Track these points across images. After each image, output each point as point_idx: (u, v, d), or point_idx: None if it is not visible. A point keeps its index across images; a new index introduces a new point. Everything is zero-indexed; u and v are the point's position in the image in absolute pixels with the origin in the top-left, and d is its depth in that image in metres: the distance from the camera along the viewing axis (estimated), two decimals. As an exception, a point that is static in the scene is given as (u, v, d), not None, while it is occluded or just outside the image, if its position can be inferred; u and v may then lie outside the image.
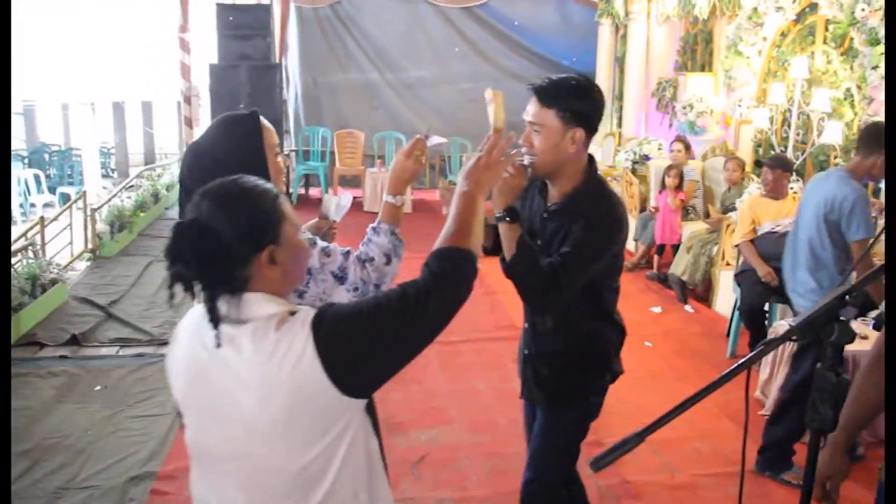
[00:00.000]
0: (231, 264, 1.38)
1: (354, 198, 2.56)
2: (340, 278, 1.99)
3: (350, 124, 11.16)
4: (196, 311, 1.51)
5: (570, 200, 2.27)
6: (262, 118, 2.04)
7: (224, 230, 1.37)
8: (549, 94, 2.18)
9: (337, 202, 2.37)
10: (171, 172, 10.89)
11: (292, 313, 1.41)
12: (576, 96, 2.18)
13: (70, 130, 13.81)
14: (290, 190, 9.87)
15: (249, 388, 1.38)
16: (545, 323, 2.42)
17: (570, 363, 2.43)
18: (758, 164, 5.09)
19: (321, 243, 2.03)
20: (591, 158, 2.32)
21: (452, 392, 4.59)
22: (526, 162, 2.22)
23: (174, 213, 9.64)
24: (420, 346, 1.46)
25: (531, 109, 2.22)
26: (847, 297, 1.32)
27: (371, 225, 2.07)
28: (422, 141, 2.15)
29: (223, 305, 1.39)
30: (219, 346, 1.39)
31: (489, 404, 4.46)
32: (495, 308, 6.03)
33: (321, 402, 1.38)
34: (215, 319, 1.38)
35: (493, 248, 2.41)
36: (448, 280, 1.48)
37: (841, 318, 1.33)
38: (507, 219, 2.16)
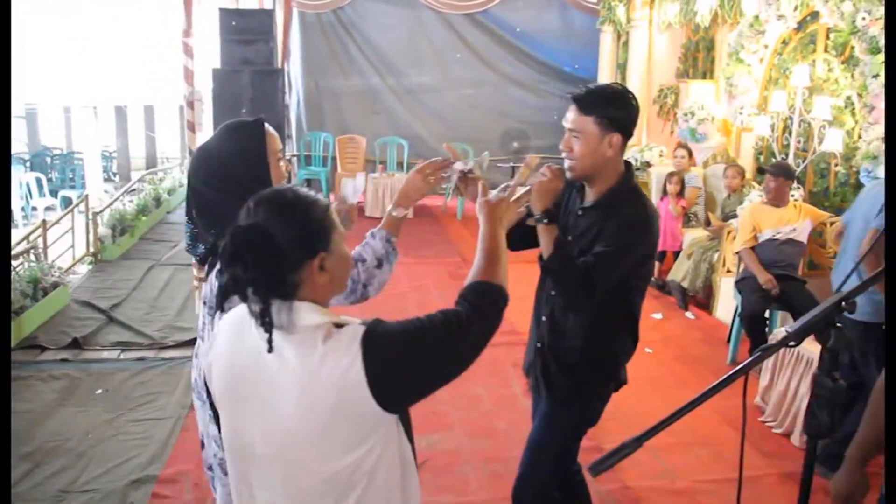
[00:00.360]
0: (285, 268, 1.42)
1: (359, 202, 2.61)
2: None
3: (352, 129, 11.19)
4: (237, 313, 1.55)
5: (605, 199, 2.39)
6: (266, 125, 2.12)
7: (280, 235, 1.41)
8: (587, 102, 2.29)
9: (353, 185, 2.43)
10: (172, 176, 10.92)
11: (338, 325, 1.45)
12: (612, 104, 2.30)
13: (72, 134, 13.85)
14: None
15: (291, 396, 1.43)
16: (566, 319, 2.48)
17: (580, 362, 2.48)
18: (760, 171, 5.10)
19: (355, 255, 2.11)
20: (627, 164, 2.44)
21: (453, 397, 4.59)
22: (565, 166, 2.35)
23: (176, 216, 9.67)
24: (458, 371, 1.52)
25: (570, 116, 2.33)
26: (843, 303, 1.34)
27: (371, 230, 2.17)
28: (440, 164, 2.27)
29: (277, 312, 1.42)
30: (270, 350, 1.42)
31: (489, 410, 4.46)
32: (496, 313, 6.04)
33: (360, 415, 1.43)
34: (268, 324, 1.40)
35: (512, 246, 2.46)
36: (487, 312, 1.59)
37: (837, 324, 1.34)
38: (546, 220, 2.27)
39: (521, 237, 2.44)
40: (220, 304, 1.45)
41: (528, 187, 2.23)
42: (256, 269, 1.39)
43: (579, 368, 2.49)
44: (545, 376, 2.57)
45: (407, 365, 1.44)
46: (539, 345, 2.59)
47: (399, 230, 2.22)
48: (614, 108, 2.29)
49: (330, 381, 1.40)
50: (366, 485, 1.48)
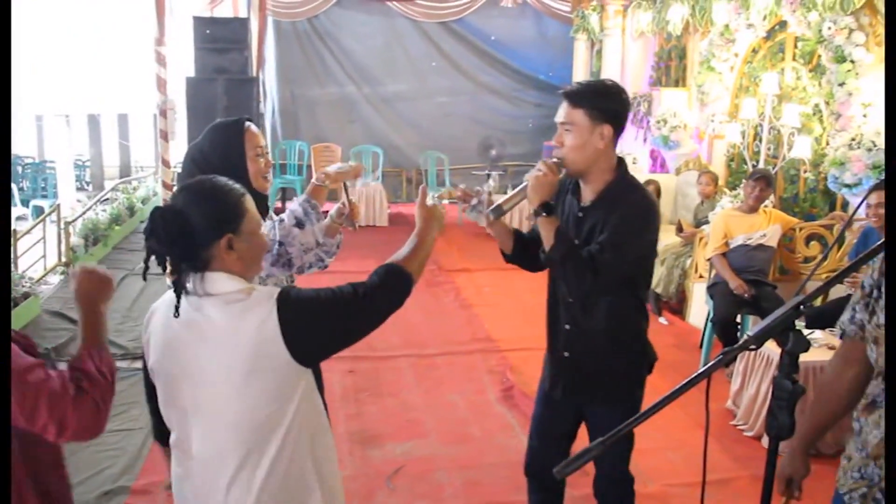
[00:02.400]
0: (195, 245, 1.66)
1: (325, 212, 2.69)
2: None
3: (327, 138, 11.18)
4: (168, 295, 1.76)
5: (604, 196, 2.40)
6: (248, 123, 2.35)
7: (192, 216, 1.65)
8: (577, 96, 2.33)
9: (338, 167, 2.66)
10: (146, 186, 10.84)
11: (253, 290, 1.69)
12: (603, 95, 2.34)
13: (44, 142, 13.69)
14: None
15: (216, 348, 1.65)
16: (590, 322, 2.49)
17: (613, 359, 2.50)
18: (756, 179, 5.17)
19: (278, 217, 2.41)
20: (620, 160, 2.45)
21: (428, 405, 4.60)
22: (558, 160, 2.37)
23: (150, 226, 9.60)
24: (359, 335, 1.76)
25: (561, 112, 2.36)
26: (801, 307, 1.37)
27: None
28: (462, 196, 2.47)
29: (189, 281, 1.67)
30: (177, 315, 1.66)
31: (464, 416, 4.47)
32: (471, 321, 6.06)
33: (276, 366, 1.65)
34: (179, 290, 1.66)
35: (514, 255, 2.60)
36: (391, 290, 1.80)
37: (796, 327, 1.37)
38: (544, 213, 2.31)
39: (519, 250, 2.56)
40: (144, 272, 1.70)
41: (525, 183, 2.33)
42: (169, 244, 1.63)
43: (615, 365, 2.51)
44: (586, 384, 2.57)
45: (316, 322, 1.67)
46: (567, 354, 2.57)
47: (321, 197, 2.46)
48: (604, 100, 2.33)
49: (249, 333, 1.63)
50: (283, 436, 1.70)
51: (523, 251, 2.58)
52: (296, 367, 1.67)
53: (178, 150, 9.76)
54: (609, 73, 9.54)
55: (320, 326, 1.68)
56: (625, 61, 9.43)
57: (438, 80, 11.56)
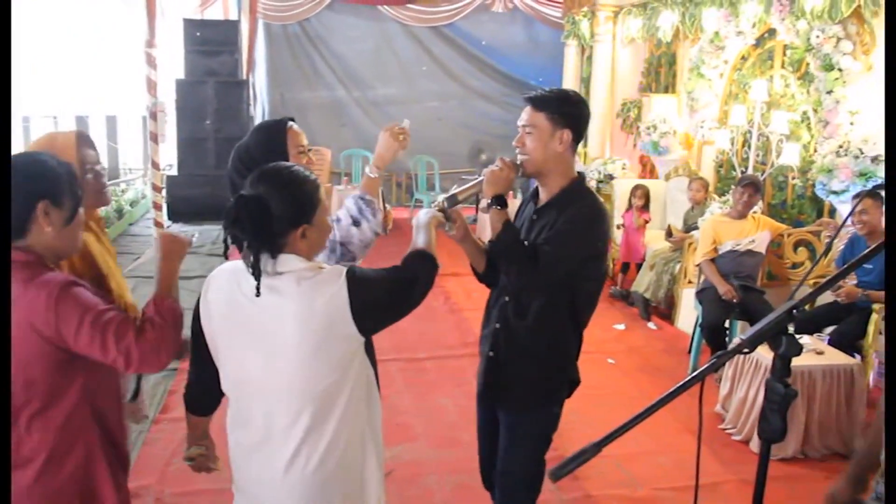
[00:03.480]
0: (275, 233, 1.79)
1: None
2: None
3: (317, 141, 11.15)
4: (227, 268, 1.92)
5: (557, 198, 2.49)
6: (292, 123, 2.51)
7: (274, 207, 1.78)
8: (540, 100, 2.45)
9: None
10: (135, 188, 10.80)
11: (321, 268, 1.84)
12: (564, 102, 2.46)
13: (31, 144, 13.60)
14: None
15: (292, 319, 1.77)
16: (520, 325, 2.51)
17: (536, 367, 2.52)
18: (744, 185, 5.22)
19: (335, 217, 2.43)
20: (580, 174, 2.55)
21: (417, 408, 4.60)
22: (518, 161, 2.48)
23: (138, 228, 9.56)
24: (407, 311, 1.97)
25: (524, 115, 2.48)
26: (794, 311, 1.38)
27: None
28: (405, 128, 2.57)
29: (264, 263, 1.78)
30: (258, 294, 1.76)
31: (454, 420, 4.48)
32: (460, 325, 6.07)
33: (343, 336, 1.81)
34: (258, 272, 1.76)
35: (485, 275, 2.69)
36: (428, 272, 2.03)
37: (789, 331, 1.39)
38: (497, 206, 2.41)
39: (492, 269, 2.62)
40: (225, 252, 1.87)
41: (480, 178, 2.45)
42: (252, 231, 1.75)
43: (536, 373, 2.54)
44: (501, 387, 2.60)
45: (378, 298, 1.87)
46: (492, 353, 2.61)
47: (376, 191, 2.45)
48: (565, 106, 2.44)
49: (322, 306, 1.77)
50: (345, 404, 1.85)
51: (495, 270, 2.60)
52: (357, 337, 1.83)
53: (168, 152, 9.73)
54: (599, 78, 9.58)
55: (381, 303, 1.88)
56: (615, 67, 9.47)
57: (429, 85, 11.58)
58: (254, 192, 1.79)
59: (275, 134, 2.47)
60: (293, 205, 1.82)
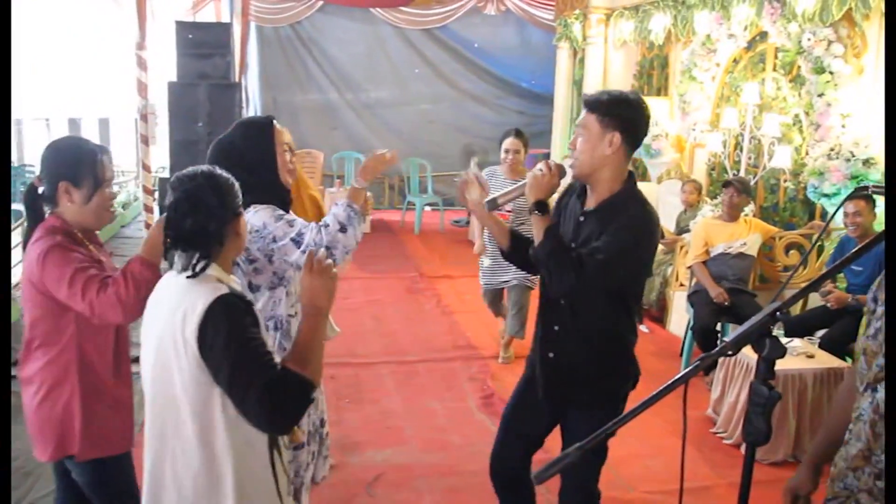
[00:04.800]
0: (215, 222, 1.83)
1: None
2: (297, 242, 2.45)
3: (309, 144, 11.13)
4: (162, 281, 1.95)
5: (607, 205, 2.44)
6: (276, 121, 2.60)
7: (215, 198, 1.84)
8: (593, 101, 2.42)
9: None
10: (127, 190, 10.76)
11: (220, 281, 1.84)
12: (617, 104, 2.39)
13: (24, 146, 13.57)
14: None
15: (160, 323, 1.81)
16: (583, 326, 2.51)
17: (597, 365, 2.53)
18: (726, 185, 5.23)
19: (287, 216, 2.53)
20: (630, 173, 2.50)
21: (408, 412, 4.58)
22: (569, 164, 2.47)
23: (131, 230, 9.52)
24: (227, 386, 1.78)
25: (581, 116, 2.46)
26: (778, 313, 1.37)
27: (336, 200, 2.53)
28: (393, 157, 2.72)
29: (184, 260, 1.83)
30: (194, 274, 1.81)
31: (444, 424, 4.46)
32: (452, 329, 6.05)
33: (192, 351, 1.75)
34: (196, 265, 1.81)
35: (511, 252, 2.67)
36: (282, 402, 1.73)
37: (772, 333, 1.38)
38: (538, 211, 2.41)
39: (515, 247, 2.65)
40: (165, 254, 1.90)
41: (523, 182, 2.48)
42: (203, 222, 1.81)
43: (598, 372, 2.53)
44: (567, 386, 2.58)
45: (217, 346, 1.72)
46: (551, 355, 2.59)
47: (361, 199, 2.55)
48: (617, 108, 2.38)
49: (180, 312, 1.76)
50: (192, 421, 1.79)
51: (518, 248, 2.65)
52: (190, 364, 1.76)
53: (160, 154, 9.70)
54: (591, 81, 9.58)
55: (216, 352, 1.73)
56: (607, 70, 9.47)
57: (421, 87, 11.57)
58: (194, 184, 1.85)
59: (264, 130, 2.55)
60: (229, 194, 1.89)
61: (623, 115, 2.38)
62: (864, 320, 1.76)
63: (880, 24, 5.03)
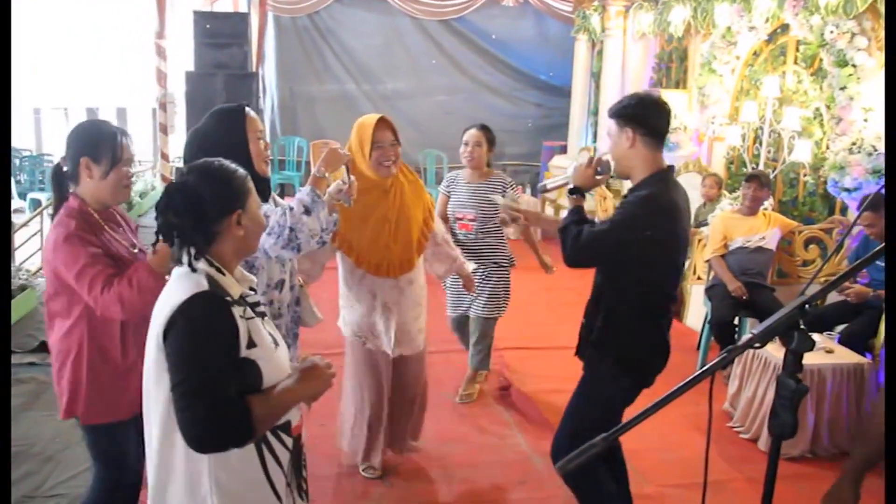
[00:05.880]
0: (208, 218, 1.78)
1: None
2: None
3: (326, 135, 11.13)
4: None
5: (631, 191, 2.72)
6: (248, 109, 2.59)
7: (205, 192, 1.78)
8: (610, 109, 2.71)
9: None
10: (145, 180, 10.81)
11: (212, 281, 1.77)
12: (628, 103, 2.68)
13: (42, 136, 13.66)
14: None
15: (156, 314, 1.77)
16: (596, 300, 2.82)
17: (598, 339, 2.81)
18: (749, 179, 5.20)
19: (288, 205, 2.59)
20: (669, 167, 2.75)
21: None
22: (610, 165, 2.79)
23: (148, 220, 9.57)
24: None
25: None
26: (807, 306, 1.36)
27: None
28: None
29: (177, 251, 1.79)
30: (194, 270, 1.77)
31: (461, 415, 4.46)
32: (469, 319, 6.04)
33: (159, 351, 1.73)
34: (188, 257, 1.77)
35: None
36: (216, 432, 1.68)
37: (801, 326, 1.36)
38: (572, 195, 2.79)
39: None
40: (154, 244, 1.92)
41: (568, 174, 2.86)
42: (185, 214, 1.75)
43: (597, 345, 2.81)
44: (584, 348, 2.88)
45: (176, 344, 1.69)
46: (584, 320, 2.90)
47: (323, 187, 2.66)
48: (626, 108, 2.66)
49: (162, 302, 1.76)
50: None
51: None
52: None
53: (178, 144, 9.73)
54: (609, 74, 9.53)
55: (174, 351, 1.69)
56: (625, 62, 9.42)
57: (438, 79, 11.55)
58: (184, 180, 1.81)
59: (235, 119, 2.55)
60: (224, 189, 1.81)
61: (633, 111, 2.64)
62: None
63: (905, 17, 4.96)
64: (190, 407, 1.63)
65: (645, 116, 2.64)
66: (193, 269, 1.77)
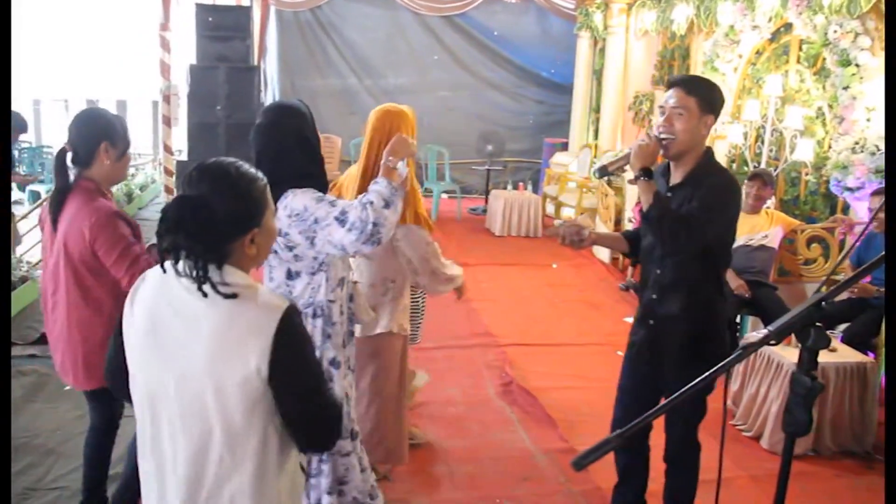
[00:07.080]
0: (221, 239, 1.58)
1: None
2: (342, 221, 2.42)
3: (328, 129, 11.14)
4: (155, 275, 1.67)
5: (692, 175, 2.69)
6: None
7: (220, 209, 1.56)
8: (692, 85, 2.66)
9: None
10: (145, 172, 10.80)
11: (255, 288, 1.63)
12: (712, 90, 2.69)
13: (42, 127, 13.63)
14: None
15: (206, 338, 1.56)
16: (674, 293, 2.76)
17: (688, 329, 2.75)
18: (752, 177, 5.21)
19: (328, 197, 2.53)
20: (708, 148, 2.77)
21: (426, 398, 4.58)
22: (663, 141, 2.67)
23: (148, 213, 9.57)
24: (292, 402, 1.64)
25: (674, 97, 2.65)
26: (823, 303, 1.36)
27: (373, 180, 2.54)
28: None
29: (211, 272, 1.56)
30: (206, 295, 1.54)
31: (463, 411, 4.47)
32: (470, 316, 6.04)
33: (244, 373, 1.55)
34: (202, 279, 1.54)
35: (632, 251, 3.02)
36: (328, 426, 1.69)
37: (817, 324, 1.37)
38: (644, 178, 2.62)
39: (636, 246, 2.96)
40: (161, 263, 1.59)
41: (627, 151, 2.70)
42: (195, 238, 1.53)
43: (689, 335, 2.75)
44: (661, 350, 2.82)
45: (296, 368, 1.60)
46: (651, 322, 2.85)
47: (394, 178, 2.55)
48: (713, 93, 2.66)
49: (237, 334, 1.55)
50: (257, 446, 1.60)
51: (636, 244, 2.97)
52: (258, 385, 1.57)
53: (178, 137, 9.73)
54: (611, 71, 9.53)
55: (295, 375, 1.61)
56: (628, 60, 9.42)
57: (440, 74, 11.54)
58: (196, 193, 1.57)
59: (310, 115, 2.76)
60: (242, 205, 1.61)
61: (717, 101, 2.66)
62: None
63: (909, 17, 4.97)
64: (329, 406, 1.65)
65: (721, 107, 2.71)
66: (232, 294, 1.57)
